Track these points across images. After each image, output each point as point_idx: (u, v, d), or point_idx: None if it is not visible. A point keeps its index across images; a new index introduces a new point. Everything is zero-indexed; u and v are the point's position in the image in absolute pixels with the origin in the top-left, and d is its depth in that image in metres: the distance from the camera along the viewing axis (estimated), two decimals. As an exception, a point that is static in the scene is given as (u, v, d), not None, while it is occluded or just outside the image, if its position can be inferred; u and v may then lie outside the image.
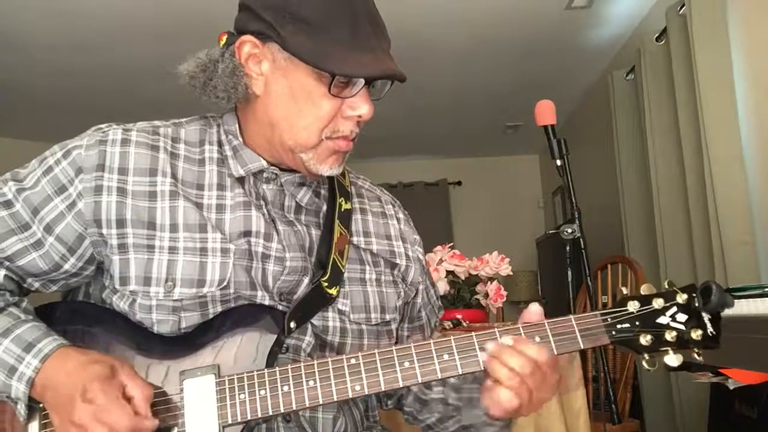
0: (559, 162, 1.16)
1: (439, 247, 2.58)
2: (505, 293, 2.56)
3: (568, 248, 1.20)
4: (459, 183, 6.71)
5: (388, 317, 1.10)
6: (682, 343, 0.88)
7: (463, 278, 2.56)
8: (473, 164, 6.65)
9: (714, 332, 0.87)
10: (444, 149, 6.46)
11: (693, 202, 2.89)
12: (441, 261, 2.53)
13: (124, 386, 0.85)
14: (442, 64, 4.32)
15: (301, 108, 0.96)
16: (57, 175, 0.96)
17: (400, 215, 1.21)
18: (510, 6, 3.59)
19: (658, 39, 3.26)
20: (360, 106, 0.97)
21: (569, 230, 1.15)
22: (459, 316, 2.43)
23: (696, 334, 0.87)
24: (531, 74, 4.52)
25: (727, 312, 1.20)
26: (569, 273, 1.24)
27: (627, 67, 3.72)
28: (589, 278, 1.19)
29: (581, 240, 1.15)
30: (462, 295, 2.58)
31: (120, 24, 3.61)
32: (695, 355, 0.88)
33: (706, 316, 0.88)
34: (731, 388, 1.88)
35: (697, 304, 0.88)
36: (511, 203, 6.61)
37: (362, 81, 0.95)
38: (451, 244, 2.67)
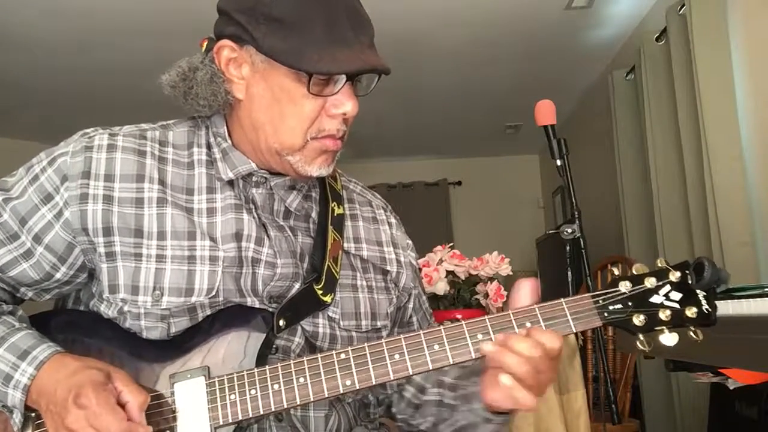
0: (559, 162, 1.16)
1: (439, 247, 2.58)
2: (505, 293, 2.56)
3: (568, 248, 1.20)
4: (459, 183, 6.71)
5: (379, 324, 1.08)
6: (677, 322, 0.86)
7: (463, 278, 2.55)
8: (473, 164, 6.64)
9: (709, 309, 0.85)
10: (444, 149, 6.45)
11: (693, 202, 2.89)
12: (441, 261, 2.52)
13: (119, 392, 0.84)
14: (441, 64, 4.32)
15: (284, 110, 0.94)
16: (43, 184, 0.95)
17: (392, 220, 1.19)
18: (510, 6, 3.59)
19: (658, 39, 3.26)
20: (343, 103, 0.94)
21: (569, 230, 1.14)
22: (459, 316, 2.43)
23: (691, 312, 0.85)
24: (531, 74, 4.52)
25: (728, 312, 1.18)
26: (569, 273, 1.24)
27: (627, 67, 3.72)
28: (589, 278, 1.18)
29: (581, 240, 1.15)
30: (462, 295, 2.58)
31: (121, 22, 3.61)
32: (692, 334, 0.86)
33: (700, 293, 0.86)
34: (731, 388, 1.87)
35: (690, 282, 0.86)
36: (511, 203, 6.60)
37: (344, 77, 0.93)
38: (451, 244, 2.67)
